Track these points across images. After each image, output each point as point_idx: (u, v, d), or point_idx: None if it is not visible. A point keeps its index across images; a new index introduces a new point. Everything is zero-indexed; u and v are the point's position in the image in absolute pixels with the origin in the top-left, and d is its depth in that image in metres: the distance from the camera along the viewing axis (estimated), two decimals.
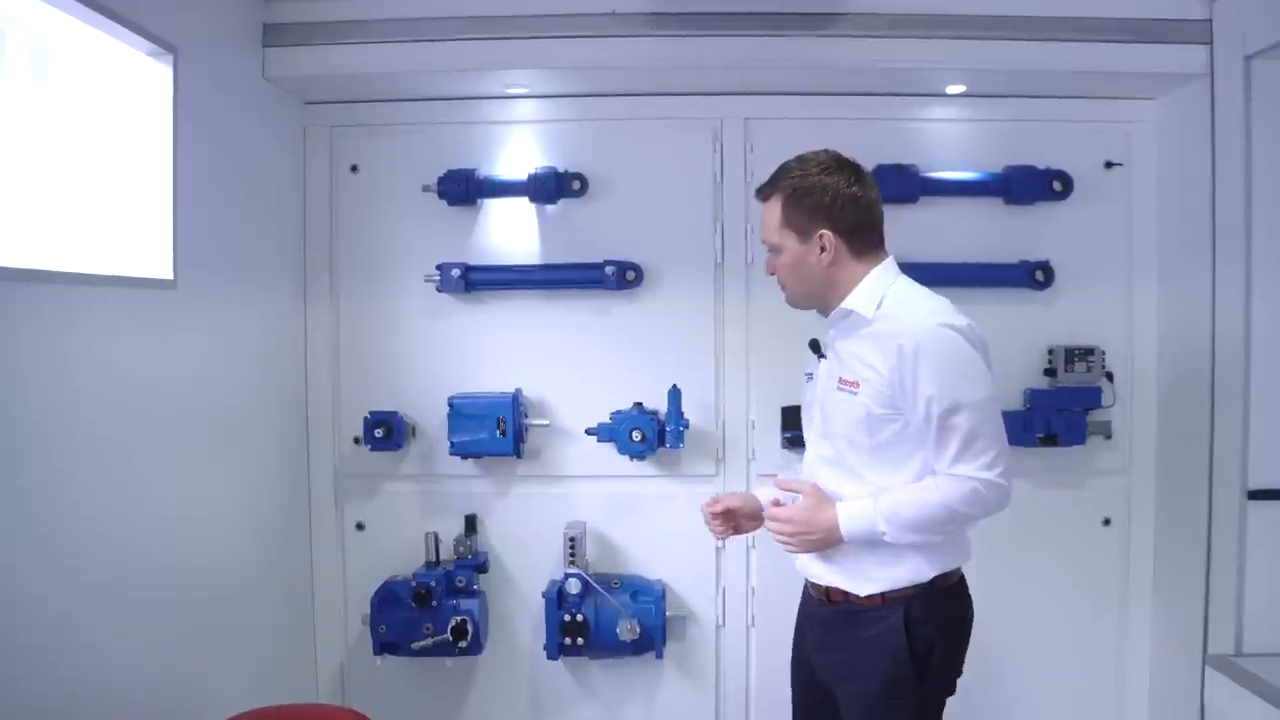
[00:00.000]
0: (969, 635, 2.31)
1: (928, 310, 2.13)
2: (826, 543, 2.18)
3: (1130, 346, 3.36)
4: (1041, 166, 3.29)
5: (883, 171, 3.23)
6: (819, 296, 2.25)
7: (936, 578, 2.19)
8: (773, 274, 2.31)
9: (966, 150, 3.36)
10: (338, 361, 3.45)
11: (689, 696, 3.43)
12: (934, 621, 2.19)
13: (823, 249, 2.17)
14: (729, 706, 3.44)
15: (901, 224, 3.19)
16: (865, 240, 2.20)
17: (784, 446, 3.30)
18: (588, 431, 3.26)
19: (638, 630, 3.14)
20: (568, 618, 3.16)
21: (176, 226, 2.59)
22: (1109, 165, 3.34)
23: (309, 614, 3.47)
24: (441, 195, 3.31)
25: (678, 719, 3.44)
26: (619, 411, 3.28)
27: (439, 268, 3.31)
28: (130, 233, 2.54)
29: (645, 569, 3.39)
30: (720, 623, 3.42)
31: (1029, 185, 3.28)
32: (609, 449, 3.28)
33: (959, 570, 2.27)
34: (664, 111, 3.37)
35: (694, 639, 3.42)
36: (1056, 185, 3.28)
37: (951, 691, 2.27)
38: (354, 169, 3.43)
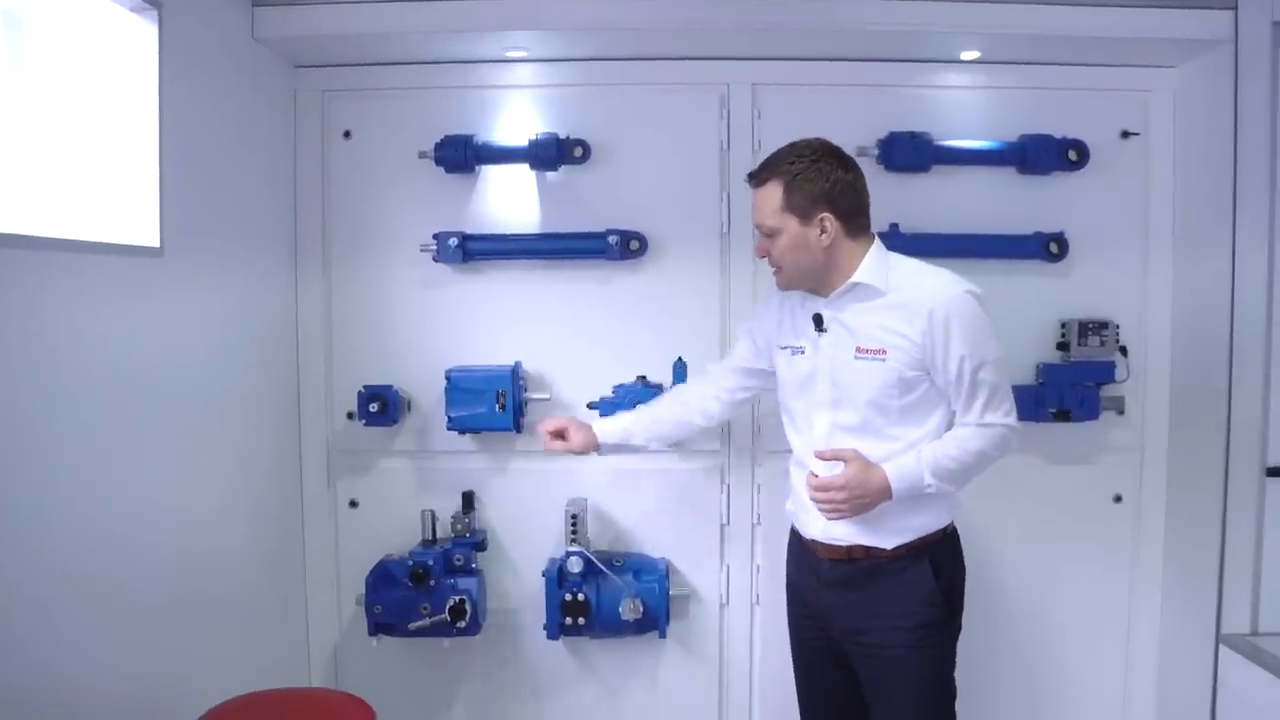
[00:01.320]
0: None
1: (946, 279, 2.32)
2: (875, 504, 2.31)
3: (1144, 321, 3.29)
4: (1057, 135, 3.20)
5: (895, 139, 3.16)
6: (816, 276, 2.38)
7: (948, 524, 2.43)
8: (764, 256, 2.44)
9: (981, 118, 3.26)
10: (330, 333, 3.34)
11: (692, 676, 3.37)
12: (955, 563, 2.45)
13: (823, 231, 2.31)
14: (733, 686, 3.38)
15: (914, 193, 3.18)
16: (858, 223, 2.36)
17: None
18: (590, 405, 3.16)
19: (641, 609, 3.06)
20: (569, 597, 3.08)
21: (163, 192, 2.48)
22: (1125, 135, 3.26)
23: (301, 595, 3.38)
24: (438, 162, 3.20)
25: (681, 699, 3.38)
26: (622, 385, 3.19)
27: (435, 237, 3.20)
28: (114, 197, 2.42)
29: (648, 547, 3.32)
30: (724, 601, 3.36)
31: (1044, 155, 3.19)
32: None
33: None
34: (669, 76, 3.26)
35: (698, 618, 3.36)
36: (1072, 155, 3.19)
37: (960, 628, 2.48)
38: (347, 135, 3.31)
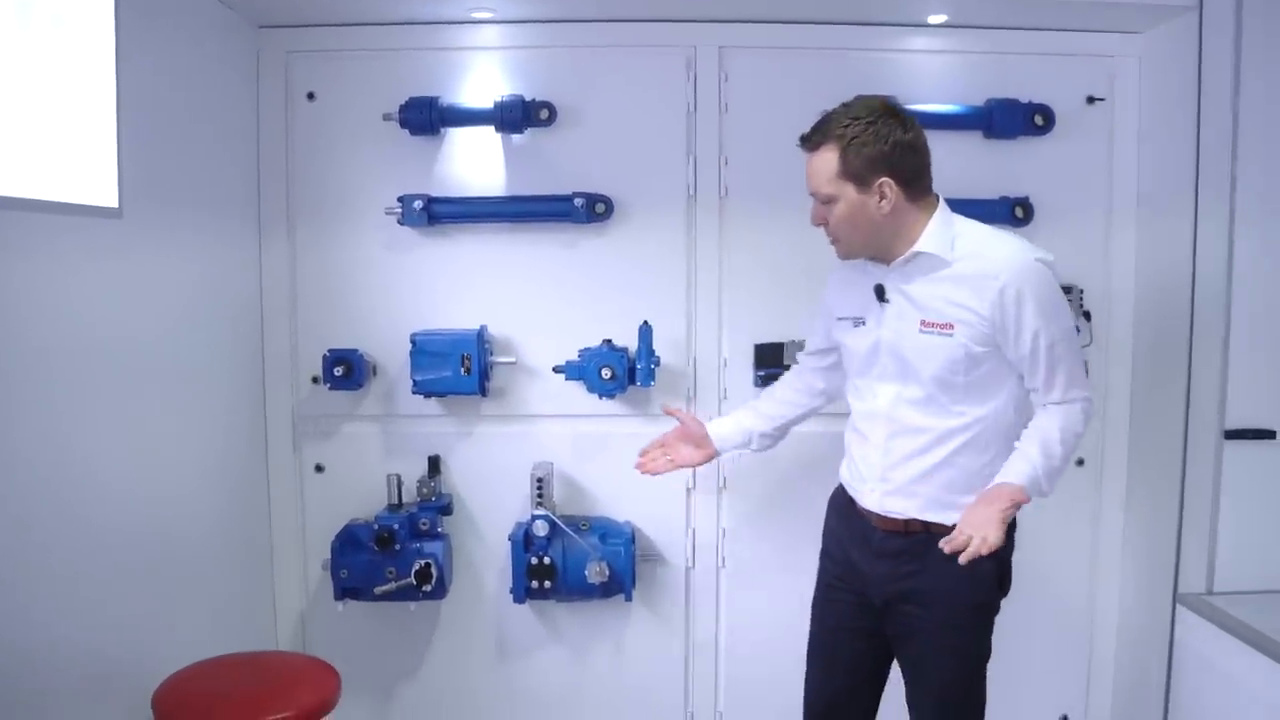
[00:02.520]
0: None
1: (1016, 247, 2.22)
2: None
3: (1108, 286, 3.31)
4: (1024, 100, 3.20)
5: None
6: (878, 244, 2.26)
7: None
8: (820, 224, 2.30)
9: (947, 82, 3.25)
10: (295, 297, 3.31)
11: (658, 639, 3.40)
12: (1011, 542, 2.37)
13: (882, 197, 2.18)
14: (699, 648, 3.41)
15: None
16: (920, 186, 2.23)
17: (757, 385, 3.23)
18: (555, 369, 3.17)
19: (607, 572, 3.08)
20: (535, 560, 3.09)
21: (121, 152, 2.43)
22: (1091, 100, 3.26)
23: (267, 560, 3.36)
24: (403, 124, 3.16)
25: (646, 661, 3.40)
26: (588, 348, 3.19)
27: (400, 200, 3.17)
28: (70, 156, 2.37)
29: (614, 510, 3.33)
30: (690, 564, 3.37)
31: (1010, 119, 3.19)
32: (577, 387, 3.20)
33: None
34: (636, 38, 3.23)
35: (663, 581, 3.37)
36: (1038, 120, 3.19)
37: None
38: (311, 96, 3.26)
